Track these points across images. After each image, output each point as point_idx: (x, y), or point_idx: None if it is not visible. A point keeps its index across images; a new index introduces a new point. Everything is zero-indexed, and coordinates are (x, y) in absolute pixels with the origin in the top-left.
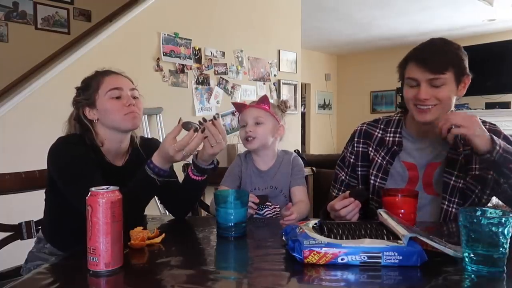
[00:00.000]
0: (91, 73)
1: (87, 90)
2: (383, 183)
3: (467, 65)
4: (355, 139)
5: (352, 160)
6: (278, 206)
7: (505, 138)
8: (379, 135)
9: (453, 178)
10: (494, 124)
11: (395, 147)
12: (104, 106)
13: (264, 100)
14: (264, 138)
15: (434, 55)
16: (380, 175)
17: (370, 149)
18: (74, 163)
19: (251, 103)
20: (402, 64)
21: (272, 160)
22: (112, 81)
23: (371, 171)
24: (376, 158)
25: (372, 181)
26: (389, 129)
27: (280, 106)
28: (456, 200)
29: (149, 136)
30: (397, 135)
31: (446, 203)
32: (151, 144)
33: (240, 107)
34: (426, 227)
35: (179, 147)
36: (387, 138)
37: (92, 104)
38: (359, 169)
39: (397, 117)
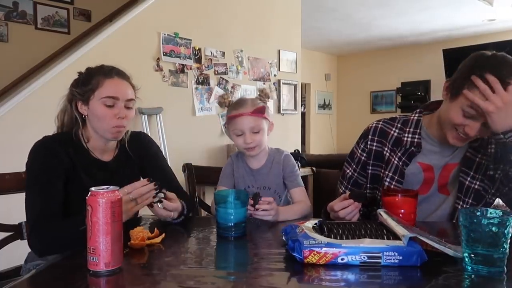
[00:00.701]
0: (96, 65)
1: (85, 85)
2: (399, 186)
3: None
4: (369, 137)
5: (363, 158)
6: None
7: None
8: (396, 134)
9: (469, 179)
10: None
11: (413, 148)
12: (95, 110)
13: (261, 110)
14: (264, 142)
15: None
16: (396, 177)
17: (386, 149)
18: (38, 170)
19: (239, 107)
20: (466, 75)
21: (263, 158)
22: (111, 87)
23: (386, 172)
24: (393, 159)
25: (387, 183)
26: (407, 129)
27: (261, 98)
28: (470, 201)
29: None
30: (416, 136)
31: (461, 203)
32: (139, 139)
33: (235, 116)
34: (440, 228)
35: (129, 188)
36: (405, 139)
37: (85, 101)
38: (370, 167)
39: (415, 117)
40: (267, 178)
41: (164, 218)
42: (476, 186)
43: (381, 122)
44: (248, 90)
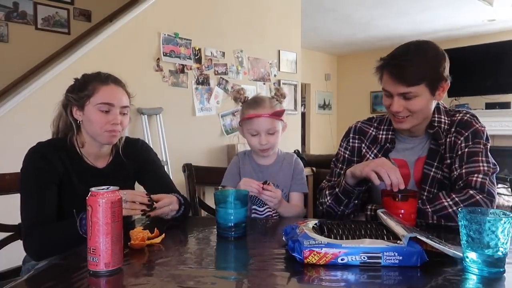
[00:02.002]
0: (93, 71)
1: (81, 91)
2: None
3: (445, 70)
4: (351, 135)
5: (347, 156)
6: None
7: (475, 132)
8: (373, 133)
9: (433, 169)
10: (475, 117)
11: (388, 144)
12: (90, 116)
13: (280, 114)
14: (277, 143)
15: (405, 68)
16: None
17: (363, 145)
18: (33, 176)
19: (257, 107)
20: (379, 70)
21: (273, 156)
22: (106, 93)
23: None
24: (368, 155)
25: None
26: (382, 127)
27: (278, 98)
28: (435, 191)
29: (149, 137)
30: (390, 133)
31: (426, 194)
32: (137, 147)
33: (252, 116)
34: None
35: (126, 191)
36: (380, 136)
37: (80, 107)
38: (355, 165)
39: (389, 116)
40: (277, 176)
41: (166, 215)
42: (439, 176)
43: (360, 122)
44: (248, 90)
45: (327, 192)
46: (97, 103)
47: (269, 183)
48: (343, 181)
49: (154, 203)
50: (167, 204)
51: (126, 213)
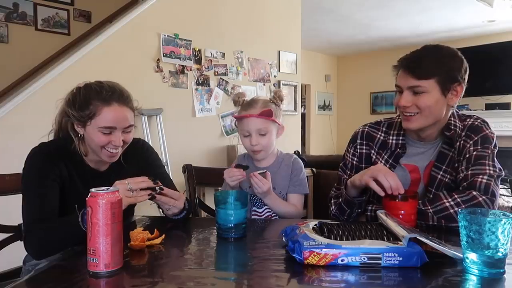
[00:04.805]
0: (95, 84)
1: (82, 110)
2: None
3: (461, 73)
4: (358, 141)
5: (355, 163)
6: None
7: (484, 138)
8: (382, 138)
9: (441, 173)
10: (485, 122)
11: (398, 149)
12: (91, 135)
13: (268, 113)
14: (270, 146)
15: (416, 62)
16: None
17: (373, 151)
18: (35, 176)
19: (248, 108)
20: (396, 67)
21: (271, 159)
22: (109, 116)
23: None
24: (378, 162)
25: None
26: (392, 132)
27: (275, 101)
28: None
29: (149, 138)
30: (401, 138)
31: (432, 196)
32: (137, 147)
33: (242, 117)
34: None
35: (129, 180)
36: (390, 141)
37: (82, 124)
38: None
39: (399, 120)
40: (276, 180)
41: (168, 206)
42: (446, 180)
43: (367, 127)
44: (248, 91)
45: (332, 201)
46: (99, 126)
47: (265, 171)
48: (344, 192)
49: (158, 182)
50: (176, 197)
51: (134, 201)
